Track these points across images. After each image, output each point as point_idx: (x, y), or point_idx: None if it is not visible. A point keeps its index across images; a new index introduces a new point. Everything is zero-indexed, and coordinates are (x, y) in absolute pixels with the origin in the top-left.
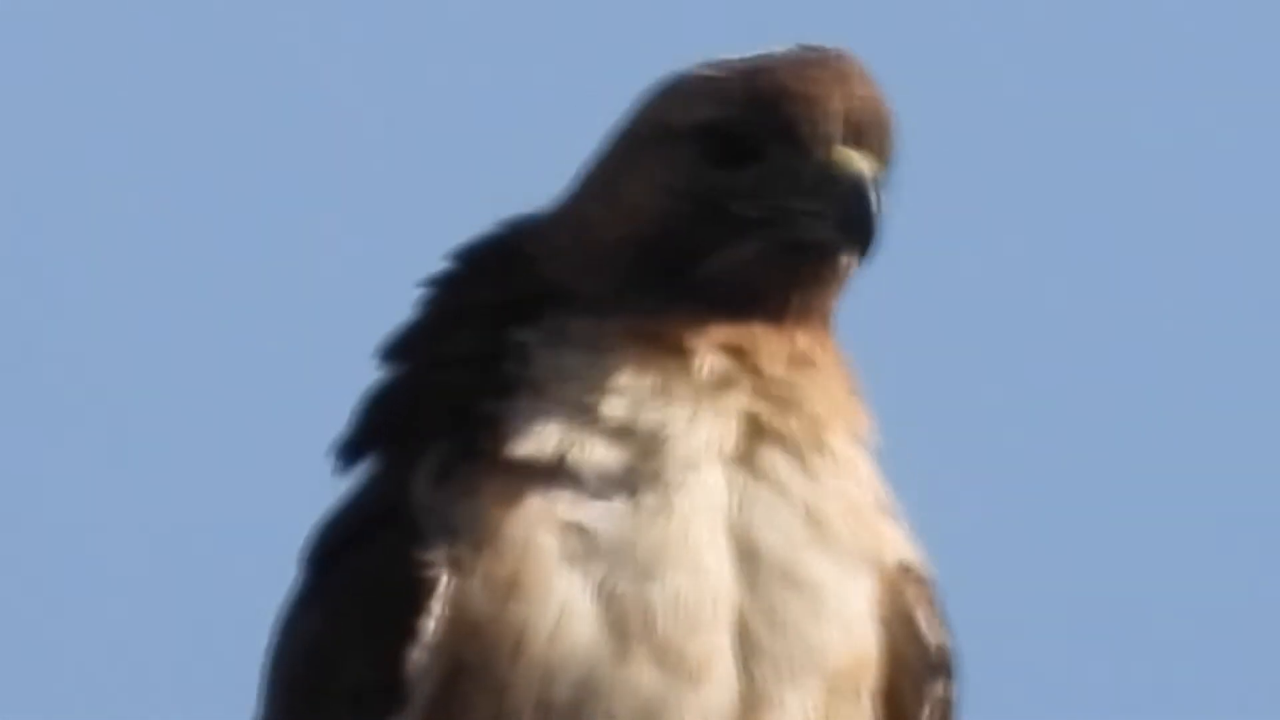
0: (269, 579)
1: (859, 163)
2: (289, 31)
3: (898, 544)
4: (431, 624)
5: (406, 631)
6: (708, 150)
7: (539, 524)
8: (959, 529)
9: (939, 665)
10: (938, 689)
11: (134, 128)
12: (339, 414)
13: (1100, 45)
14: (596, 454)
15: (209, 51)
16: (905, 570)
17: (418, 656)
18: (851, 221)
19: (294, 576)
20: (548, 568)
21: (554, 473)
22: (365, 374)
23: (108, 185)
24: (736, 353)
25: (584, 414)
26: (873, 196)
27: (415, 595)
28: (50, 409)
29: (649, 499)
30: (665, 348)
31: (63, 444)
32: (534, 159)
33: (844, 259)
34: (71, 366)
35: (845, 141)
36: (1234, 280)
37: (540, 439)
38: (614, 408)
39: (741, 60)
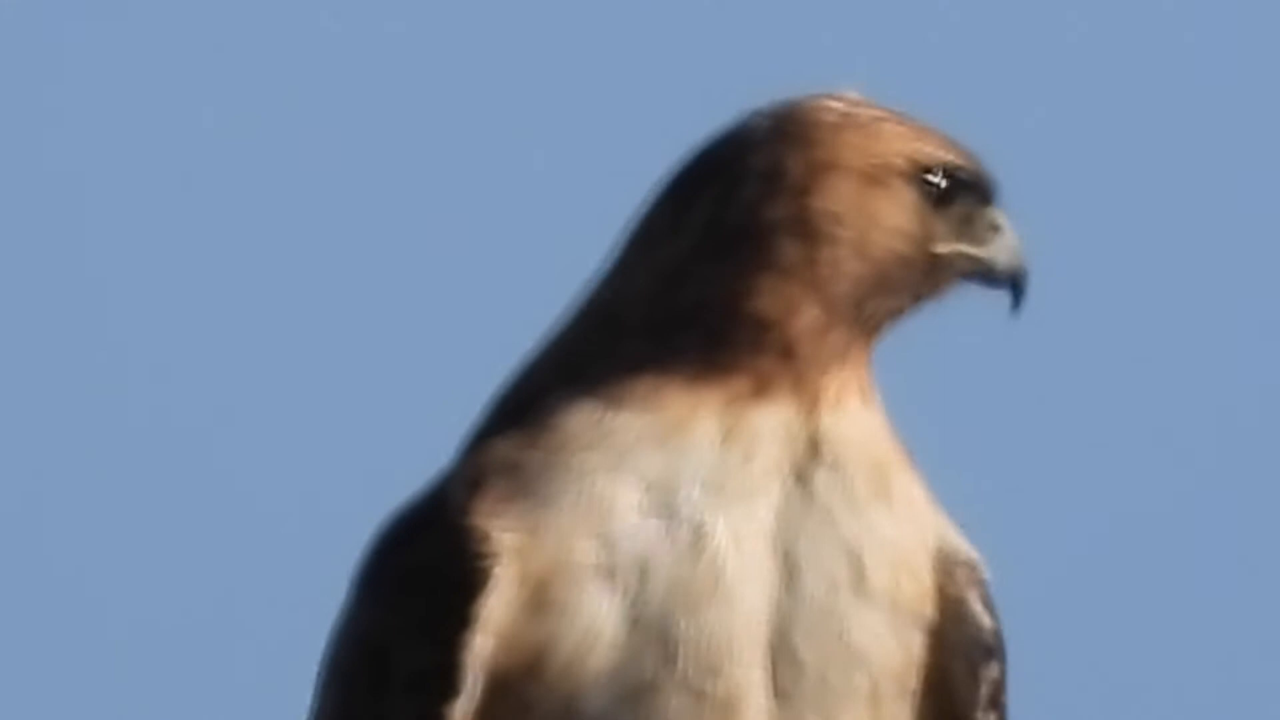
0: (326, 587)
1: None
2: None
3: (946, 534)
4: (484, 612)
5: (463, 618)
6: (925, 192)
7: (577, 534)
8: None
9: (992, 647)
10: (992, 670)
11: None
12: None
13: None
14: (634, 493)
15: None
16: (954, 555)
17: (473, 641)
18: (1020, 274)
19: (350, 580)
20: (580, 581)
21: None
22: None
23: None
24: (805, 400)
25: (627, 462)
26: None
27: (470, 583)
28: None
29: (685, 533)
30: (728, 399)
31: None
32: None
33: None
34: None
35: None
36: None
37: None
38: (656, 457)
39: (857, 98)
